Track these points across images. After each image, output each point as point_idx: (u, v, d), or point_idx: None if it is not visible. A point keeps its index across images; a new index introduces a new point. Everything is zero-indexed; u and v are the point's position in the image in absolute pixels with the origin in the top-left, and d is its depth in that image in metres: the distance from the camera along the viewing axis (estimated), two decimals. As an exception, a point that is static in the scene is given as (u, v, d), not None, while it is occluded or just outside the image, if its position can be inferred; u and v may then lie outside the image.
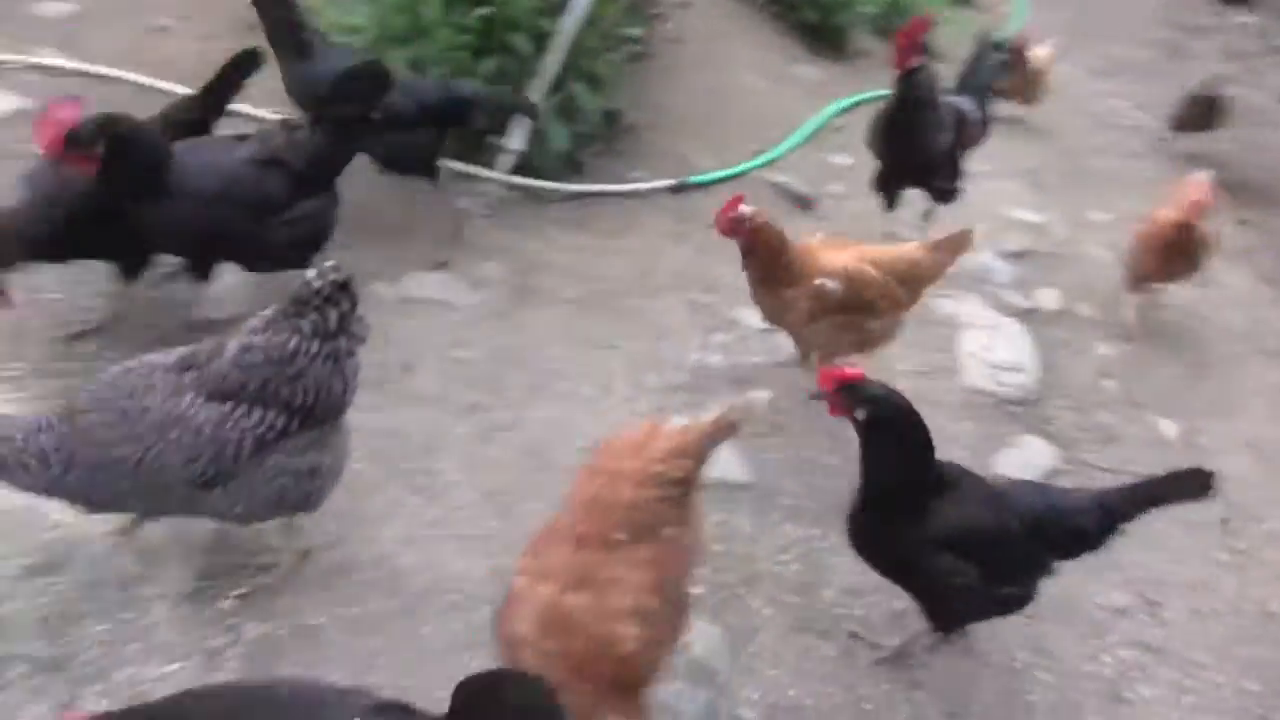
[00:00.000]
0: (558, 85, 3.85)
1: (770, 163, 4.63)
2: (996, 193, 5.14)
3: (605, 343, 3.20)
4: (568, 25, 3.76)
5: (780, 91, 5.44)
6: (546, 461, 2.68)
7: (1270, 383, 4.04)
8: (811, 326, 2.98)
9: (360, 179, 3.50)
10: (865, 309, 2.96)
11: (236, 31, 4.15)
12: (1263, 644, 2.77)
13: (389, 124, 3.04)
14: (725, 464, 2.80)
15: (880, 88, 5.99)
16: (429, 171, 3.41)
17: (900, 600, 2.59)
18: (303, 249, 2.79)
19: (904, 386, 3.30)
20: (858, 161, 4.98)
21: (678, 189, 4.17)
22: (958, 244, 3.09)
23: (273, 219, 2.76)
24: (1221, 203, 4.34)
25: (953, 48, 5.02)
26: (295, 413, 1.97)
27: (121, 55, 3.77)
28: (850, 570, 2.66)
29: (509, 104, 3.59)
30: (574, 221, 3.81)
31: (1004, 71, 4.35)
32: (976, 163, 5.25)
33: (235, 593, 2.17)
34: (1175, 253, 3.89)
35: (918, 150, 3.76)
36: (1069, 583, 2.54)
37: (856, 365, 2.43)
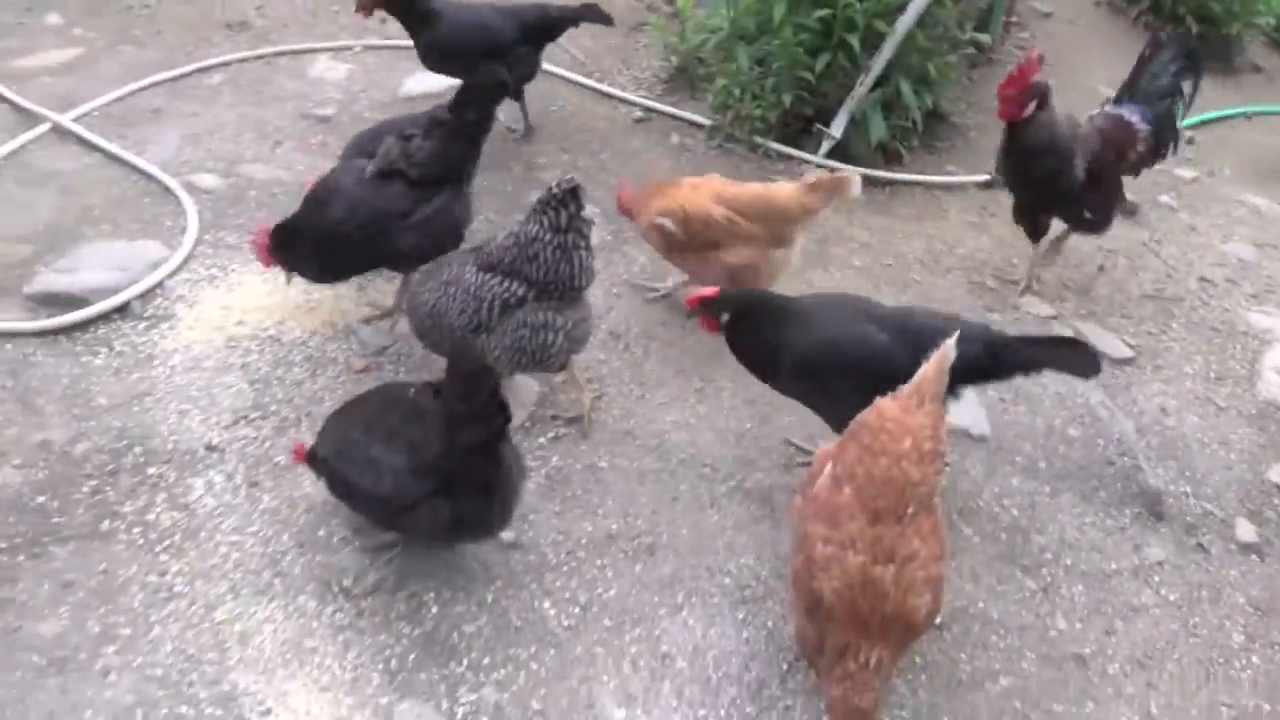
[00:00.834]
0: (883, 80, 4.31)
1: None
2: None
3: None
4: (900, 28, 4.22)
5: (1131, 102, 5.38)
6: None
7: None
8: (676, 258, 3.29)
9: (690, 155, 4.28)
10: (712, 246, 3.16)
11: (618, 30, 5.13)
12: None
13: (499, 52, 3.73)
14: (970, 415, 3.14)
15: (1257, 104, 5.71)
16: (518, 94, 4.02)
17: (1113, 561, 2.80)
18: (433, 247, 3.04)
19: (1186, 387, 3.42)
20: (1201, 175, 4.88)
21: (988, 185, 4.44)
22: (832, 187, 3.15)
23: (397, 226, 3.04)
24: None
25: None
26: (532, 285, 2.70)
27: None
28: (1069, 525, 2.90)
29: (585, 15, 4.08)
30: (879, 205, 4.26)
31: (1186, 74, 3.86)
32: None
33: (548, 435, 2.97)
34: None
35: (1043, 189, 3.65)
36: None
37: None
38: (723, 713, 2.33)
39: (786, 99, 4.26)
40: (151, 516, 2.62)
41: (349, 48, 4.82)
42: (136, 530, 2.58)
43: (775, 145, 4.36)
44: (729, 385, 3.20)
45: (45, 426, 2.82)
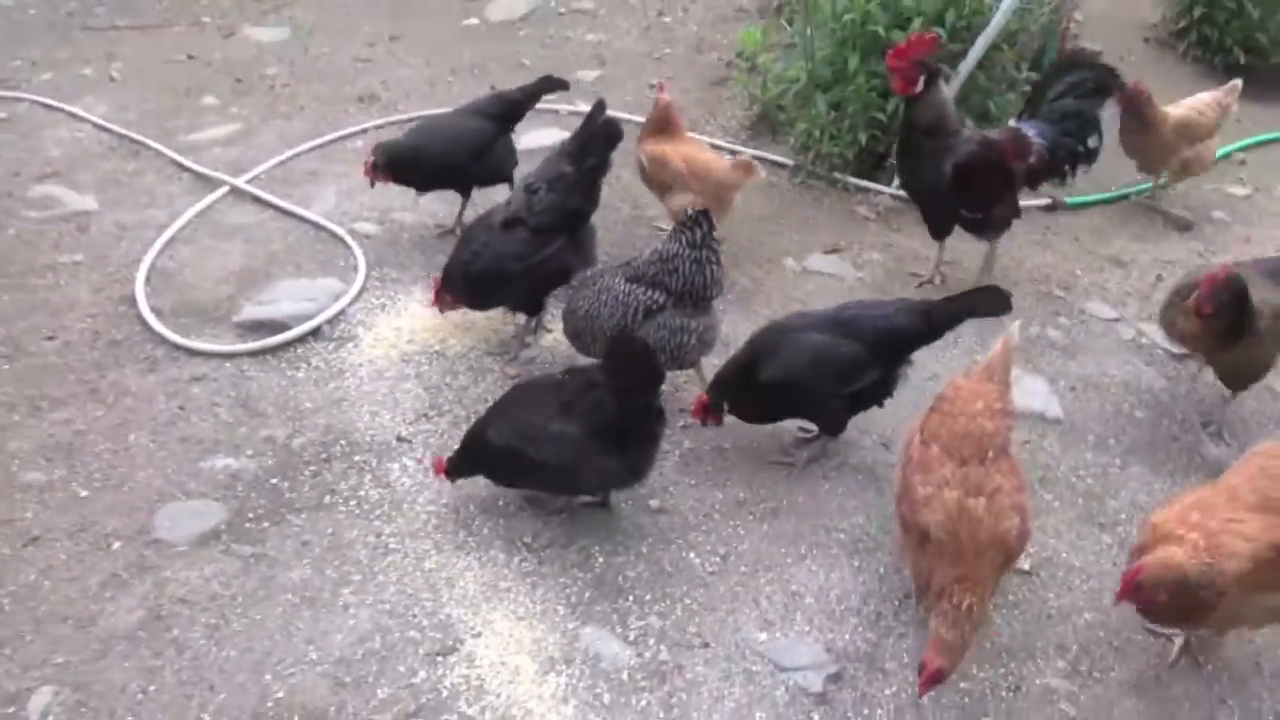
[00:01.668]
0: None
1: (1145, 191, 5.18)
2: None
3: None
4: (962, 70, 4.82)
5: (1182, 129, 5.89)
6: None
7: None
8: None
9: (777, 191, 4.90)
10: (665, 187, 4.22)
11: (704, 86, 5.84)
12: None
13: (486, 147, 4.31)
14: (1043, 401, 3.65)
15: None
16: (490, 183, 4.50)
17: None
18: (549, 287, 3.70)
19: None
20: (1254, 192, 5.36)
21: (1051, 208, 4.98)
22: (747, 169, 4.15)
23: (517, 268, 3.62)
24: None
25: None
26: (671, 294, 3.30)
27: (631, 105, 5.54)
28: (1139, 491, 3.37)
29: (544, 88, 4.52)
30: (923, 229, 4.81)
31: (1098, 105, 4.19)
32: None
33: (678, 425, 3.55)
34: None
35: (926, 178, 3.97)
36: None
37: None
38: (848, 636, 2.85)
39: (862, 138, 4.88)
40: (362, 492, 3.25)
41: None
42: (352, 503, 3.22)
43: (853, 180, 4.96)
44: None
45: (267, 425, 3.49)
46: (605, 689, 2.68)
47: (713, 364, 3.74)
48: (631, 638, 2.82)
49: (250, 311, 3.97)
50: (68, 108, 5.58)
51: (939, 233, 4.24)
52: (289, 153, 5.14)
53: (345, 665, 2.71)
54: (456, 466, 3.08)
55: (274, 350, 3.80)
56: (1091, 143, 4.18)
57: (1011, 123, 4.27)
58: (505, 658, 2.75)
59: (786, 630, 2.85)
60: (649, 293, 3.31)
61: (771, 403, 3.30)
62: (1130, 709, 2.73)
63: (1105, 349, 4.02)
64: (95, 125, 5.42)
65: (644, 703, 2.65)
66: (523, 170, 4.75)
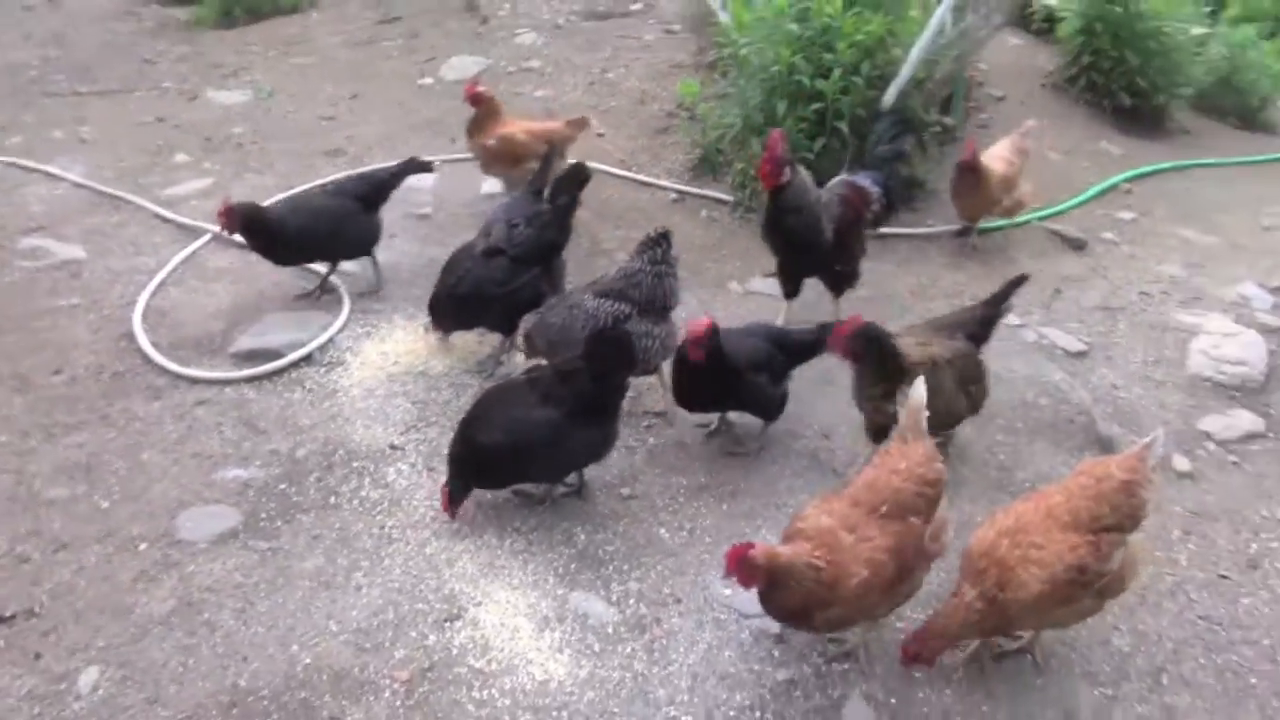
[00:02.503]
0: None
1: (1049, 216, 5.90)
2: (1285, 240, 5.94)
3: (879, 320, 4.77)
4: (886, 101, 5.47)
5: (1075, 164, 6.69)
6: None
7: None
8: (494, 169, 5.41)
9: (719, 224, 5.49)
10: (516, 159, 5.22)
11: (648, 134, 6.45)
12: None
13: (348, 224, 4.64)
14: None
15: (1185, 159, 6.99)
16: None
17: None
18: (523, 310, 4.10)
19: (1131, 370, 4.53)
20: (1139, 216, 6.11)
21: (960, 234, 5.64)
22: (580, 124, 5.46)
23: (497, 292, 4.10)
24: None
25: None
26: (635, 304, 3.83)
27: (579, 153, 6.11)
28: (1043, 464, 3.95)
29: (408, 169, 4.87)
30: (875, 253, 5.40)
31: (907, 142, 4.90)
32: (1269, 216, 6.17)
33: (643, 424, 4.05)
34: None
35: (801, 250, 4.41)
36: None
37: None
38: (800, 590, 3.33)
39: (793, 175, 5.49)
40: (364, 493, 3.67)
41: (430, 162, 6.08)
42: (355, 502, 3.63)
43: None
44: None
45: (270, 440, 3.90)
46: (595, 640, 3.12)
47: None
48: (614, 599, 3.27)
49: (244, 342, 4.38)
50: (44, 167, 5.99)
51: (795, 293, 4.66)
52: (268, 201, 5.57)
53: (364, 634, 3.12)
54: (455, 489, 3.45)
55: (269, 376, 4.22)
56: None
57: (843, 175, 4.73)
58: (505, 620, 3.18)
59: (747, 587, 3.33)
60: (616, 305, 3.83)
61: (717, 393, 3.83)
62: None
63: (1012, 350, 4.63)
64: (74, 183, 5.82)
65: (629, 649, 3.10)
66: (482, 209, 5.31)
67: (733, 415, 4.03)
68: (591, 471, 3.70)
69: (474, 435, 3.48)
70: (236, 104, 7.22)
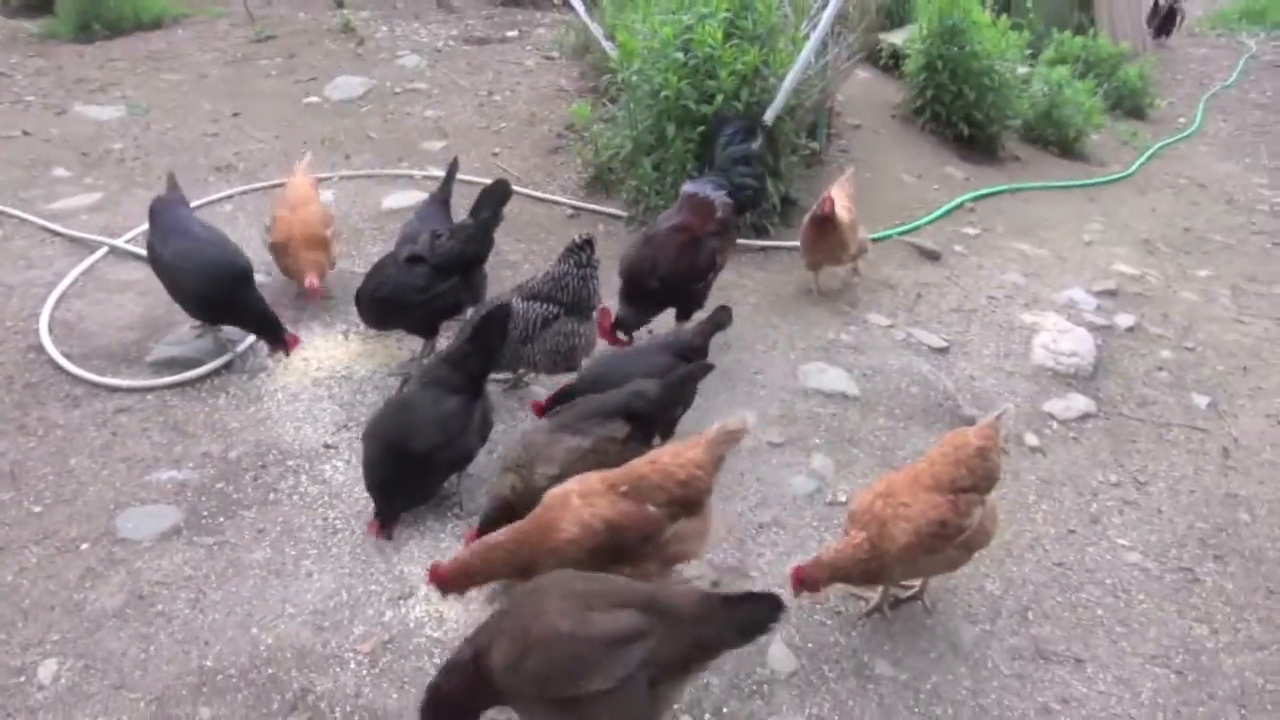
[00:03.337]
0: (749, 176, 6.10)
1: (906, 232, 6.62)
2: (1104, 254, 6.87)
3: (770, 325, 5.30)
4: (767, 118, 6.03)
5: (927, 186, 7.48)
6: (732, 381, 4.77)
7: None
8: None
9: (615, 238, 5.90)
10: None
11: (540, 153, 6.83)
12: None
13: None
14: (845, 384, 4.78)
15: (1019, 182, 7.93)
16: None
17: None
18: (441, 317, 4.44)
19: (985, 362, 5.19)
20: (982, 232, 6.92)
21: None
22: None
23: (417, 299, 4.36)
24: None
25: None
26: (561, 305, 4.18)
27: (479, 170, 6.43)
28: (919, 441, 4.52)
29: None
30: (758, 263, 5.99)
31: (754, 143, 5.13)
32: (1088, 232, 7.08)
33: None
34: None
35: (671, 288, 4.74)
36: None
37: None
38: (722, 555, 3.75)
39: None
40: (302, 489, 3.86)
41: (329, 178, 6.26)
42: (295, 497, 3.82)
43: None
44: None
45: (201, 443, 4.03)
46: (542, 607, 3.43)
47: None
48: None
49: (161, 351, 4.47)
50: (-89, 181, 5.80)
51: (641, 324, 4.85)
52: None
53: (321, 614, 3.32)
54: (385, 514, 3.61)
55: (192, 383, 4.34)
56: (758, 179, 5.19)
57: (686, 185, 5.04)
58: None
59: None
60: (544, 306, 4.16)
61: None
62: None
63: (884, 347, 5.24)
64: (-54, 197, 5.68)
65: (574, 613, 3.42)
66: (393, 226, 5.55)
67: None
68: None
69: (406, 448, 3.56)
70: (109, 119, 7.15)
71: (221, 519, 3.68)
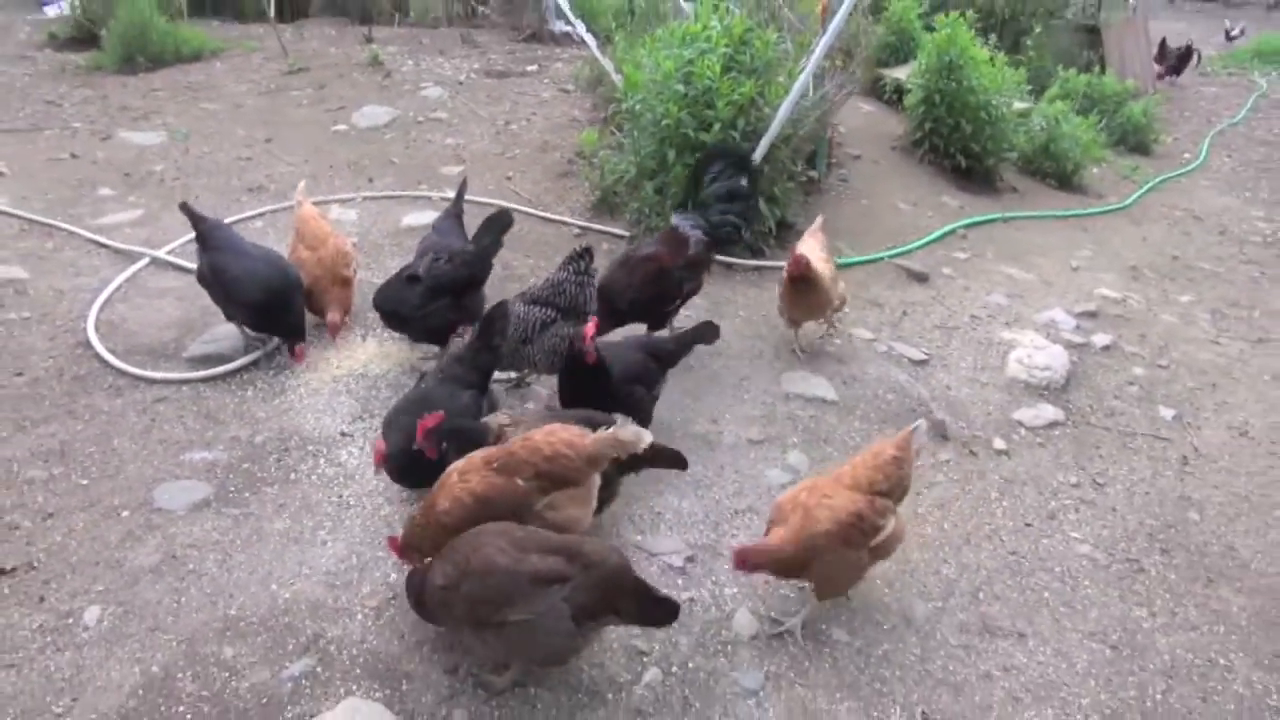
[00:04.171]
0: (745, 200, 6.58)
1: (897, 255, 7.06)
2: (1090, 279, 7.26)
3: (758, 336, 5.73)
4: (757, 156, 6.51)
5: (922, 213, 7.93)
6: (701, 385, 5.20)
7: (1259, 389, 5.83)
8: None
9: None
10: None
11: (551, 177, 7.35)
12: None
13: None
14: (825, 390, 5.20)
15: (1010, 211, 8.35)
16: None
17: (919, 460, 4.83)
18: (438, 332, 4.84)
19: (961, 375, 5.60)
20: (972, 256, 7.34)
21: (825, 266, 6.70)
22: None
23: (415, 314, 4.79)
24: None
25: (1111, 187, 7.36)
26: (559, 310, 4.63)
27: (493, 193, 6.95)
28: (890, 442, 4.92)
29: None
30: (752, 282, 6.44)
31: (741, 179, 5.54)
32: (1076, 259, 7.48)
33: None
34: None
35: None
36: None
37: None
38: (696, 535, 4.16)
39: (681, 214, 6.47)
40: (320, 470, 4.32)
41: (352, 198, 6.81)
42: (314, 477, 4.28)
43: (676, 247, 6.52)
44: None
45: (230, 429, 4.51)
46: (531, 574, 3.86)
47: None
48: (545, 546, 4.02)
49: (197, 348, 4.98)
50: (-32, 197, 6.40)
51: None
52: (198, 231, 6.17)
53: (333, 575, 3.77)
54: (397, 471, 4.01)
55: (224, 377, 4.83)
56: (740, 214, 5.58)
57: (673, 218, 5.46)
58: (455, 561, 3.87)
59: (654, 534, 4.14)
60: (543, 310, 4.63)
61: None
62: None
63: (866, 358, 5.66)
64: (2, 212, 6.26)
65: (560, 580, 3.84)
66: (411, 243, 6.06)
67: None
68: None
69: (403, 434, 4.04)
70: (151, 144, 7.75)
71: (247, 494, 4.15)
